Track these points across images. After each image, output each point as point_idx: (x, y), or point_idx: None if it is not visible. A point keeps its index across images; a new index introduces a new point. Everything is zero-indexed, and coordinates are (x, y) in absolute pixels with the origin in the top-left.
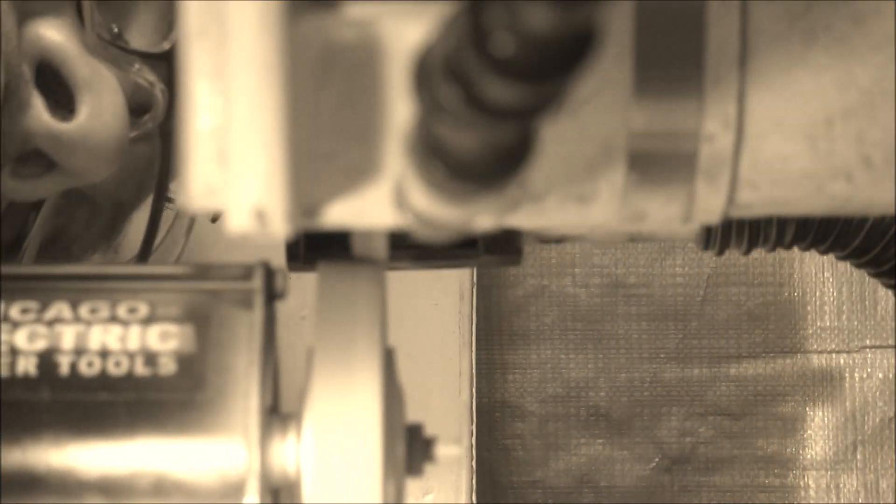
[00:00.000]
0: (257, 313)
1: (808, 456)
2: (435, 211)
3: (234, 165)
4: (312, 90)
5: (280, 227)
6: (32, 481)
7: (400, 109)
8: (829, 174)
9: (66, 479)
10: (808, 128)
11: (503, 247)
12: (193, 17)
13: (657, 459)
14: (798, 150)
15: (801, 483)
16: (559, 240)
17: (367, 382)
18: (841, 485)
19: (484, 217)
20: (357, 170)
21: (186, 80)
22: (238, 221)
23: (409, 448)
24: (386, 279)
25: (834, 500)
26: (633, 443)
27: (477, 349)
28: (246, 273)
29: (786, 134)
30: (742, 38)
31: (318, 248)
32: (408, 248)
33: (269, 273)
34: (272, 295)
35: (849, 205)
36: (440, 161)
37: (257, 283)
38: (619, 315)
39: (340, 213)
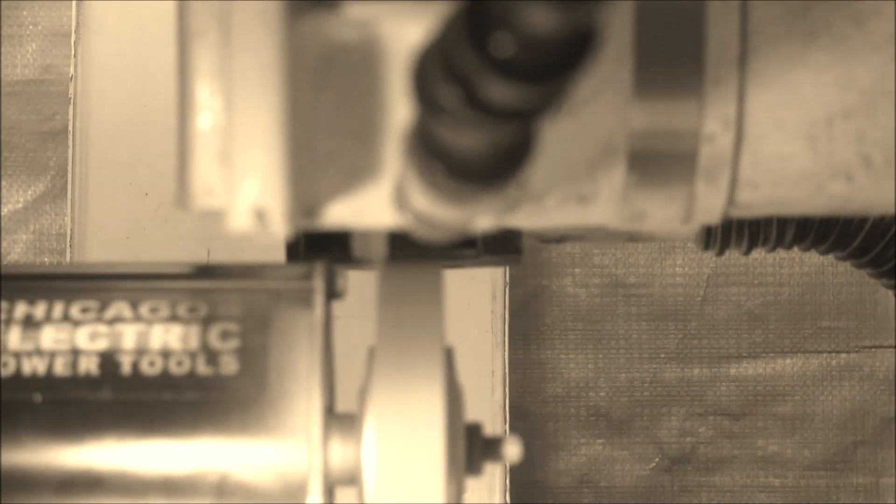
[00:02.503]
0: (318, 313)
1: (808, 456)
2: (435, 211)
3: (234, 165)
4: (312, 90)
5: (280, 227)
6: (95, 481)
7: (400, 109)
8: (829, 174)
9: (128, 479)
10: (808, 128)
11: (503, 247)
12: (193, 17)
13: (657, 459)
14: (798, 150)
15: (801, 483)
16: (559, 240)
17: (430, 382)
18: (841, 485)
19: (484, 217)
20: (357, 170)
21: (186, 80)
22: (238, 221)
23: (469, 447)
24: (445, 279)
25: (834, 500)
26: (633, 443)
27: None
28: (306, 272)
29: (786, 134)
30: (742, 38)
31: (318, 247)
32: (408, 248)
33: (331, 272)
34: (332, 294)
35: (849, 205)
36: (440, 161)
37: (318, 282)
38: (619, 315)
39: (340, 213)
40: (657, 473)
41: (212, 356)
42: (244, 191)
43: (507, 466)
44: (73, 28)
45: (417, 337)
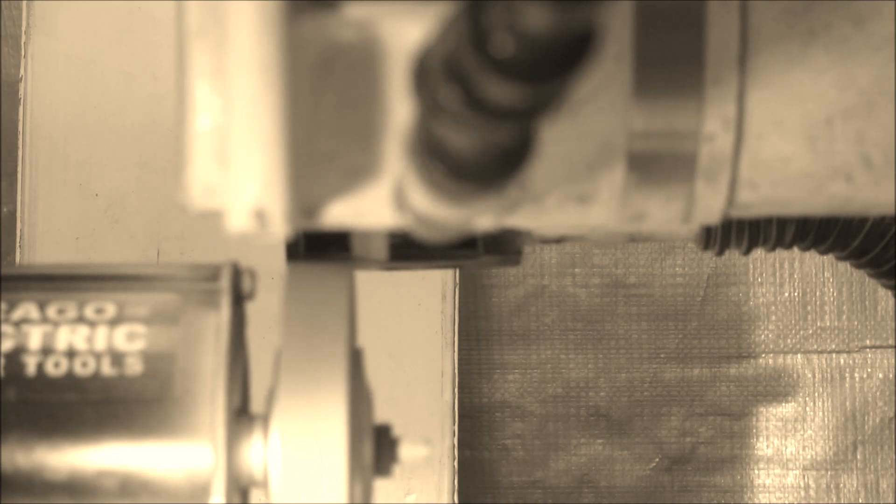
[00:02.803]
0: (224, 314)
1: (808, 456)
2: (435, 211)
3: (234, 165)
4: (312, 90)
5: (280, 227)
6: None
7: (400, 110)
8: (829, 174)
9: (32, 480)
10: (807, 128)
11: (503, 247)
12: (193, 17)
13: (657, 459)
14: (798, 150)
15: (801, 483)
16: (559, 240)
17: (332, 383)
18: (841, 485)
19: (484, 217)
20: (357, 170)
21: (186, 80)
22: (238, 221)
23: (378, 448)
24: (355, 280)
25: (834, 500)
26: (633, 443)
27: (477, 349)
28: (213, 273)
29: (786, 134)
30: (742, 38)
31: (318, 247)
32: (408, 248)
33: (237, 273)
34: (240, 296)
35: (849, 205)
36: (440, 161)
37: (224, 283)
38: (619, 315)
39: (340, 213)
40: (657, 473)
41: (117, 357)
42: (244, 191)
43: (456, 467)
44: (23, 29)
45: (322, 338)
